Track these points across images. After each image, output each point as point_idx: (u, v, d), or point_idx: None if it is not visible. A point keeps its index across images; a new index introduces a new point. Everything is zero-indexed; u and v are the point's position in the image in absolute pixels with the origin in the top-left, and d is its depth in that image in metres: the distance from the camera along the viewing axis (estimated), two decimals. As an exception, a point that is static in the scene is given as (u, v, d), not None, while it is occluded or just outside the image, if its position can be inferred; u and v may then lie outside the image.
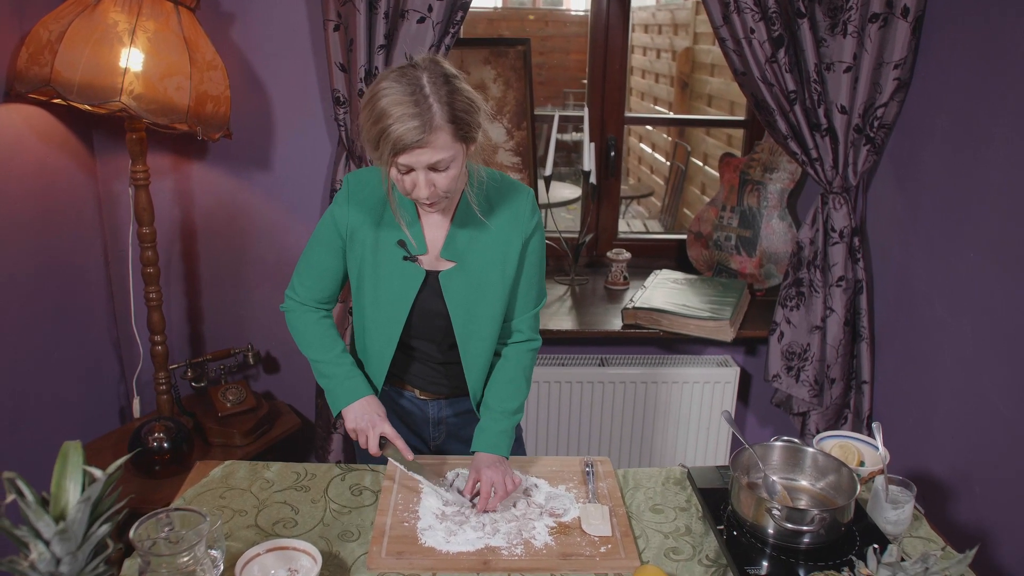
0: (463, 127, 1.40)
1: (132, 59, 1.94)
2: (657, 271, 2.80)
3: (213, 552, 1.37)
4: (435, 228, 1.61)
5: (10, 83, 2.03)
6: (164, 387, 2.39)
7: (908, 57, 2.23)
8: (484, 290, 1.62)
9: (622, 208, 5.31)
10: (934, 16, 2.20)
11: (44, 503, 1.04)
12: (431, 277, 1.61)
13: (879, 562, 1.31)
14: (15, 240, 2.11)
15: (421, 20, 2.16)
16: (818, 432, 2.50)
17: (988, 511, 2.00)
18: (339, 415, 1.66)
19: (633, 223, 5.36)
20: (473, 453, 1.65)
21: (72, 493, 1.05)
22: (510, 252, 1.61)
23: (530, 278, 1.67)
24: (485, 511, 1.55)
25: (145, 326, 2.38)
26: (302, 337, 1.71)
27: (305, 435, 2.78)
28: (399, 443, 1.59)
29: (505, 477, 1.56)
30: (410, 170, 1.41)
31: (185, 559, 1.19)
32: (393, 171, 1.42)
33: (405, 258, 1.59)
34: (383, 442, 1.61)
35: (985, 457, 2.01)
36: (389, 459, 1.62)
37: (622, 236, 3.01)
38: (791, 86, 2.25)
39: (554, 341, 2.73)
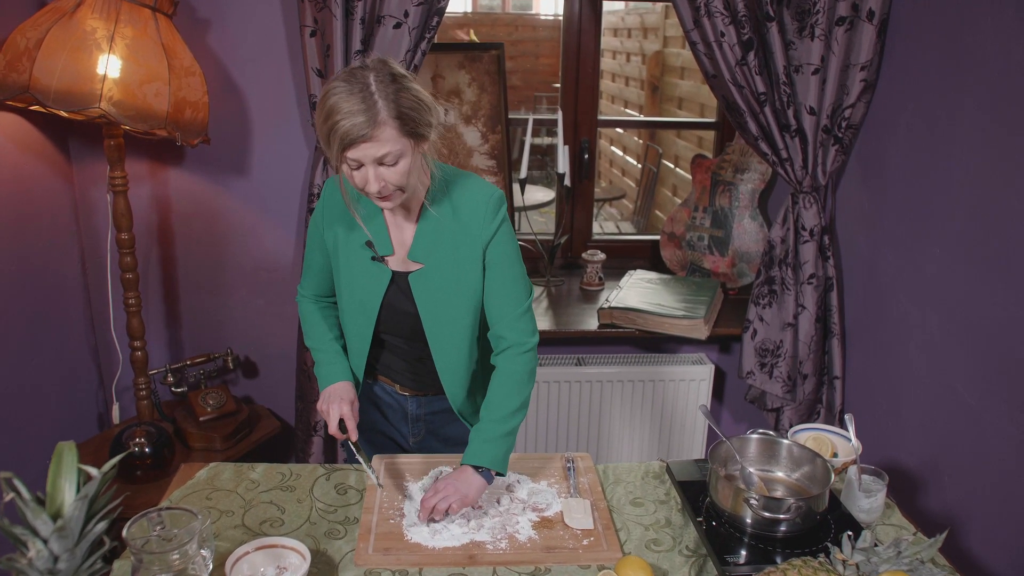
0: (409, 123, 1.44)
1: (111, 66, 1.94)
2: (632, 271, 2.85)
3: (203, 551, 1.39)
4: (401, 230, 1.65)
5: (-14, 90, 2.02)
6: (144, 392, 2.38)
7: (874, 59, 2.30)
8: (452, 291, 1.64)
9: (594, 210, 5.37)
10: (898, 19, 2.27)
11: (40, 502, 1.05)
12: (400, 277, 1.65)
13: (854, 548, 1.36)
14: (-8, 247, 2.11)
15: (397, 26, 2.19)
16: (791, 427, 2.56)
17: (956, 498, 2.06)
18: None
19: (606, 225, 5.41)
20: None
21: (68, 492, 1.07)
22: (471, 255, 1.63)
23: (503, 281, 1.65)
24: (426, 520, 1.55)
25: (124, 332, 2.38)
26: (304, 326, 1.82)
27: (285, 439, 2.79)
28: (350, 423, 1.63)
29: (456, 492, 1.54)
30: (360, 165, 1.46)
31: (176, 557, 1.21)
32: (345, 167, 1.47)
33: (373, 259, 1.64)
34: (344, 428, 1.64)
35: (952, 446, 2.07)
36: (349, 444, 1.67)
37: (596, 237, 3.05)
38: (761, 88, 2.31)
39: (532, 341, 2.76)
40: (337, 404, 1.63)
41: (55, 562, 1.02)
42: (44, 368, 2.35)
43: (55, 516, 1.04)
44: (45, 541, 1.01)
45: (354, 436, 1.63)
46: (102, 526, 1.04)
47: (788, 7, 2.27)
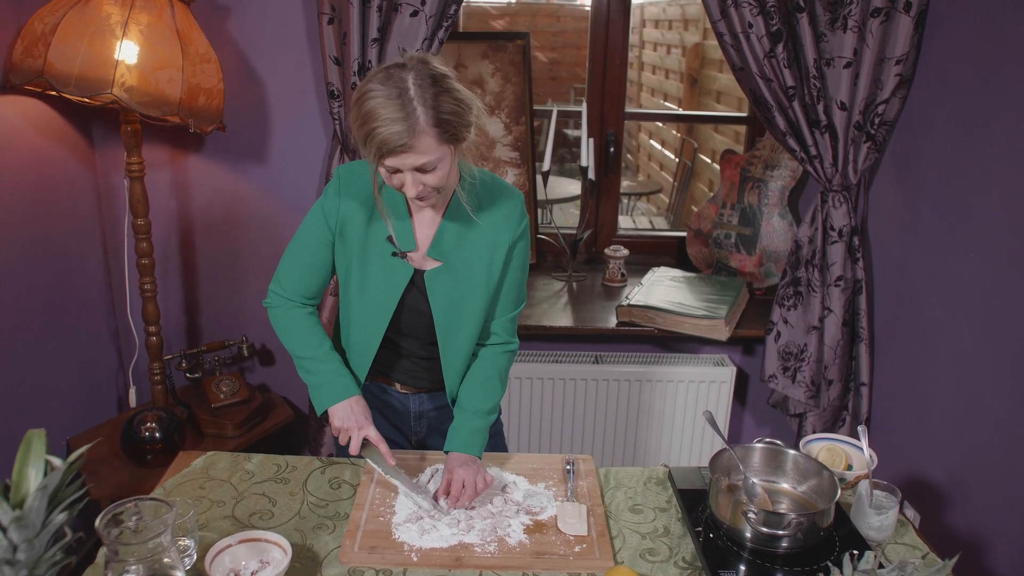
0: (449, 129, 1.38)
1: (124, 52, 1.94)
2: (655, 268, 2.77)
3: (186, 541, 1.38)
4: (425, 226, 1.60)
5: (6, 75, 2.04)
6: (158, 377, 2.40)
7: (910, 53, 2.19)
8: (468, 291, 1.61)
9: (631, 205, 5.28)
10: (937, 11, 2.16)
11: (7, 489, 1.04)
12: (417, 275, 1.61)
13: (855, 568, 1.29)
14: (12, 231, 2.13)
15: (414, 14, 2.15)
16: (813, 434, 2.47)
17: (982, 516, 1.97)
18: (324, 413, 1.64)
19: (640, 220, 5.33)
20: (447, 452, 1.64)
21: (33, 481, 1.05)
22: (496, 254, 1.61)
23: (512, 282, 1.67)
24: (456, 508, 1.55)
25: (140, 317, 2.40)
26: (287, 333, 1.69)
27: (298, 428, 2.78)
28: (382, 447, 1.58)
29: (476, 476, 1.55)
30: (398, 171, 1.41)
31: (150, 546, 1.19)
32: (382, 170, 1.43)
33: (394, 254, 1.58)
34: (364, 442, 1.60)
35: (981, 461, 1.97)
36: (369, 460, 1.61)
37: (622, 233, 2.99)
38: (790, 82, 2.22)
39: (549, 337, 2.71)
40: (365, 427, 1.59)
41: (14, 552, 1.01)
42: (65, 350, 2.38)
43: (18, 505, 1.02)
44: (4, 530, 1.00)
45: (391, 461, 1.58)
46: (62, 518, 1.03)
47: (820, -3, 2.18)
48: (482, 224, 1.59)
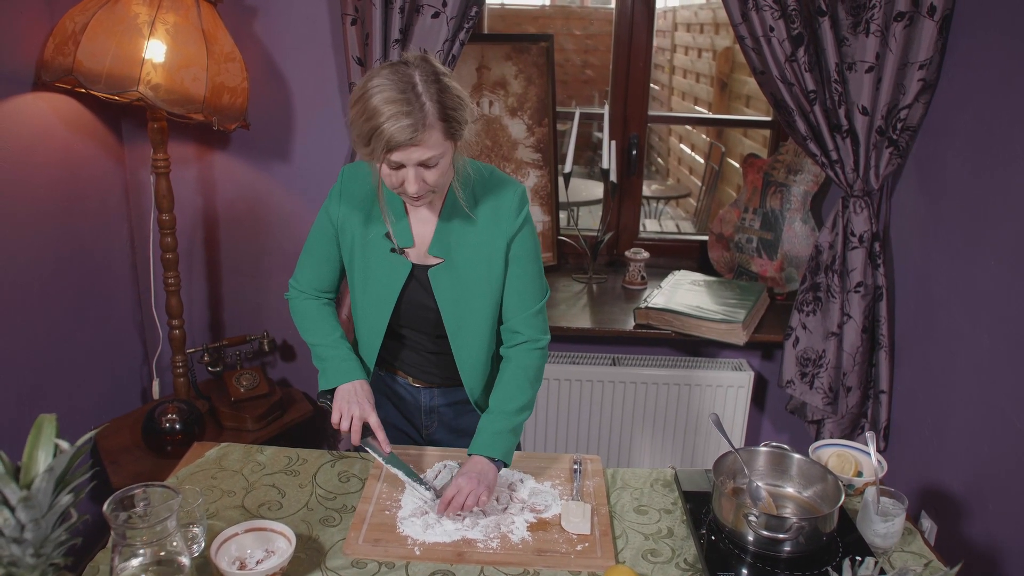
0: (453, 125, 1.41)
1: (150, 50, 1.99)
2: (675, 272, 2.77)
3: (195, 529, 1.41)
4: (423, 223, 1.62)
5: (37, 73, 2.11)
6: (181, 370, 2.45)
7: (934, 57, 2.17)
8: (472, 287, 1.62)
9: (659, 209, 5.26)
10: (962, 16, 2.13)
11: (17, 471, 1.08)
12: (419, 271, 1.62)
13: (854, 574, 1.28)
14: (43, 225, 2.19)
15: (435, 15, 2.18)
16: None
17: (999, 527, 1.93)
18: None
19: (667, 224, 5.31)
20: (469, 455, 1.61)
21: (42, 464, 1.09)
22: (496, 248, 1.61)
23: (522, 277, 1.64)
24: (446, 515, 1.52)
25: (164, 311, 2.45)
26: (303, 322, 1.75)
27: (317, 423, 2.81)
28: (380, 434, 1.59)
29: (472, 492, 1.51)
30: (400, 166, 1.43)
31: (156, 530, 1.22)
32: (384, 167, 1.44)
33: (392, 250, 1.61)
34: (366, 430, 1.61)
35: (999, 472, 1.94)
36: (368, 450, 1.63)
37: (644, 236, 2.99)
38: (811, 86, 2.20)
39: (567, 339, 2.72)
40: (367, 412, 1.59)
41: (22, 531, 1.04)
42: (92, 342, 2.44)
43: (26, 486, 1.06)
44: (12, 509, 1.03)
45: (387, 448, 1.59)
46: (68, 499, 1.06)
47: (843, 1, 2.16)
48: (480, 219, 1.59)
